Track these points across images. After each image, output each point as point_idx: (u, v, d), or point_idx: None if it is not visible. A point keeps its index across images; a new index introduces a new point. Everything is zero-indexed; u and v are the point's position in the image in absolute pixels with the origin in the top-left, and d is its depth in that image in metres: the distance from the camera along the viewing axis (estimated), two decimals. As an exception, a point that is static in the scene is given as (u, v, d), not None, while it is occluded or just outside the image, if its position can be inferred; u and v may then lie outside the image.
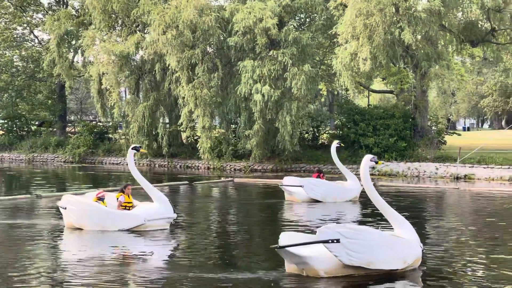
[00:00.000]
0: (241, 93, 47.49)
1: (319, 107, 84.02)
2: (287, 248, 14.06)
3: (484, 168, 43.44)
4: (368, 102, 64.45)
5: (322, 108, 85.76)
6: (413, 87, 49.99)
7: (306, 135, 54.93)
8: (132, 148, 21.77)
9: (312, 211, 27.09)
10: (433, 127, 53.47)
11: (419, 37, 45.41)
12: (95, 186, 35.89)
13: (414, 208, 28.19)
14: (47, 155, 64.00)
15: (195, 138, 54.70)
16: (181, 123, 51.70)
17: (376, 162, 15.95)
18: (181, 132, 56.38)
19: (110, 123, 64.12)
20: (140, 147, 22.20)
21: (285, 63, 47.03)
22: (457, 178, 42.95)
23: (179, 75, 50.34)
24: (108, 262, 16.25)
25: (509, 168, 42.82)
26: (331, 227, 14.18)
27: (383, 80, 58.78)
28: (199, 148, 51.02)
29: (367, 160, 15.75)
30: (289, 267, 14.56)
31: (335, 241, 13.74)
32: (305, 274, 14.21)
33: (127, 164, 55.29)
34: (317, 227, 20.54)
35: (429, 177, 44.15)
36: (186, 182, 38.97)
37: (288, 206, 28.63)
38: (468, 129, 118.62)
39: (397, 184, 39.20)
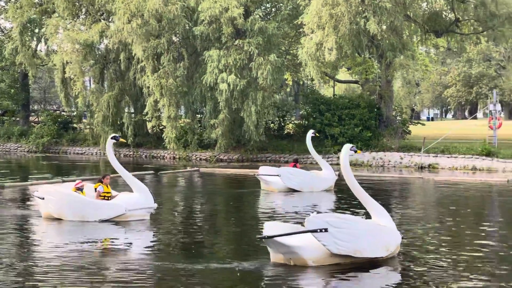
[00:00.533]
0: (206, 83, 47.34)
1: (285, 97, 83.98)
2: (275, 238, 14.07)
3: (448, 157, 43.85)
4: (334, 92, 64.66)
5: (288, 98, 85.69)
6: (378, 77, 50.22)
7: (271, 125, 54.96)
8: (111, 138, 21.55)
9: (289, 201, 27.11)
10: (398, 117, 53.83)
11: (384, 27, 45.58)
12: (59, 175, 35.53)
13: (379, 197, 28.28)
14: (10, 145, 63.29)
15: (161, 128, 54.48)
16: (147, 113, 51.44)
17: (355, 151, 16.04)
18: (147, 122, 56.13)
19: (75, 113, 63.62)
20: (120, 136, 21.93)
21: (251, 53, 46.95)
22: (421, 168, 43.32)
23: (144, 64, 50.02)
24: (88, 252, 16.10)
25: (472, 157, 43.25)
26: (319, 217, 14.25)
27: (348, 70, 58.99)
28: (164, 138, 50.79)
29: (346, 149, 15.87)
30: (275, 257, 14.53)
31: (323, 230, 13.84)
32: (293, 264, 14.23)
33: (104, 154, 55.21)
34: (299, 217, 20.67)
35: (394, 166, 44.48)
36: (152, 172, 38.80)
37: (265, 195, 28.64)
38: (432, 119, 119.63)
39: (362, 173, 39.38)
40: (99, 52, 56.20)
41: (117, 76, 54.99)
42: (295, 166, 30.99)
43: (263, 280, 13.53)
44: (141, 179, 35.34)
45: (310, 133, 31.81)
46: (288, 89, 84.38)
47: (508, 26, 50.56)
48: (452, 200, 27.23)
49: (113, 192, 21.34)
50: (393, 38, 45.62)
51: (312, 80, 54.15)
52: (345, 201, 26.19)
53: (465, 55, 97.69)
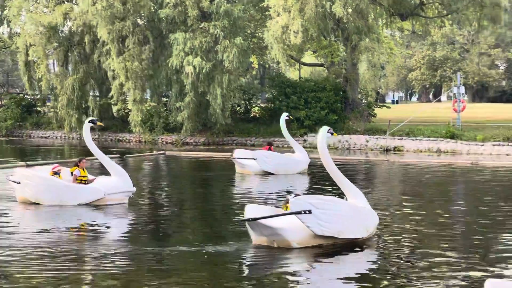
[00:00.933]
0: (172, 66, 47.14)
1: (250, 80, 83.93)
2: (260, 220, 14.09)
3: (413, 140, 44.19)
4: (300, 75, 64.69)
5: (254, 81, 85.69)
6: (343, 60, 50.32)
7: (238, 108, 54.90)
8: (88, 121, 21.12)
9: (264, 184, 27.15)
10: (364, 100, 54.08)
11: (350, 10, 45.70)
12: (23, 159, 35.16)
13: (313, 180, 28.51)
14: (-27, 129, 62.52)
15: (126, 111, 54.17)
16: (112, 96, 51.10)
17: (332, 134, 16.14)
18: (112, 105, 55.74)
19: (38, 96, 62.92)
20: (97, 120, 21.59)
21: (217, 36, 46.81)
22: (387, 150, 43.64)
23: (109, 47, 49.62)
24: (66, 237, 15.98)
25: (436, 140, 43.63)
26: (303, 198, 14.35)
27: (314, 53, 59.02)
28: (130, 121, 50.52)
29: (324, 131, 15.90)
30: (257, 240, 14.50)
31: (307, 212, 13.90)
32: (276, 246, 14.26)
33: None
34: (277, 199, 20.72)
35: (360, 149, 44.75)
36: (118, 155, 38.57)
37: (240, 178, 28.66)
38: (397, 102, 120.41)
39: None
40: (63, 35, 55.60)
41: (82, 59, 54.51)
42: (269, 149, 30.99)
43: (244, 263, 13.52)
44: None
45: (284, 116, 31.96)
46: (254, 72, 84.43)
47: (472, 10, 51.00)
48: (418, 182, 27.49)
49: (90, 176, 21.09)
50: (358, 21, 45.79)
51: (278, 63, 54.12)
52: (319, 183, 26.31)
53: (429, 38, 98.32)
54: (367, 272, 12.88)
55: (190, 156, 40.24)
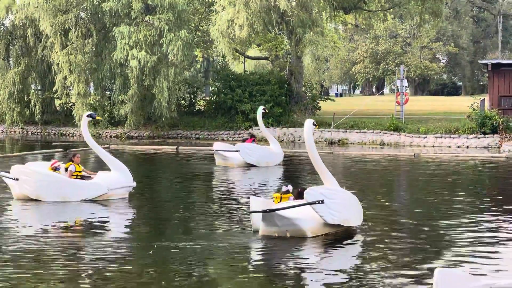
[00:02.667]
0: (116, 59, 46.77)
1: (195, 73, 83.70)
2: (278, 212, 14.47)
3: (357, 133, 44.66)
4: (244, 68, 64.70)
5: (198, 74, 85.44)
6: (288, 53, 50.57)
7: (182, 101, 54.72)
8: (87, 116, 20.65)
9: (246, 176, 27.69)
10: (308, 93, 54.39)
11: (294, 3, 45.91)
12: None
13: (291, 172, 28.74)
14: None
15: (70, 105, 53.58)
16: (56, 90, 50.53)
17: (315, 126, 16.68)
18: (55, 99, 55.08)
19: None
20: (96, 114, 21.20)
21: (162, 29, 46.58)
22: (331, 143, 44.02)
23: (52, 40, 49.02)
24: (71, 234, 15.88)
25: (380, 132, 44.18)
26: (315, 189, 14.86)
27: (258, 47, 59.15)
28: (74, 115, 50.01)
29: (309, 124, 16.45)
30: (267, 231, 14.81)
31: (320, 202, 14.43)
32: (289, 236, 14.63)
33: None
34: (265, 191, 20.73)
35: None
36: (61, 150, 38.13)
37: (221, 171, 28.96)
38: (341, 95, 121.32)
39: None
40: (4, 28, 54.73)
41: (24, 52, 53.77)
42: (253, 141, 31.41)
43: (256, 254, 13.94)
44: (50, 156, 34.85)
45: (261, 109, 32.42)
46: (198, 66, 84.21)
47: (414, 4, 51.76)
48: (362, 174, 27.81)
49: (85, 172, 20.65)
50: (302, 15, 46.01)
51: (224, 56, 54.08)
52: (296, 174, 27.47)
53: (372, 32, 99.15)
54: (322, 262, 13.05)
55: (135, 149, 40.01)
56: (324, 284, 11.53)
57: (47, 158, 34.23)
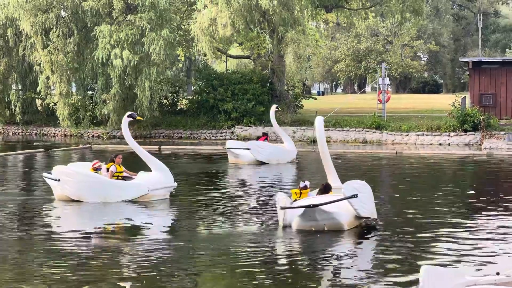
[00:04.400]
0: (98, 59, 46.59)
1: (177, 72, 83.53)
2: (321, 207, 14.96)
3: (340, 131, 44.76)
4: (226, 67, 64.65)
5: (180, 73, 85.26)
6: (270, 52, 50.58)
7: (165, 100, 54.61)
8: (127, 116, 20.47)
9: (257, 172, 28.35)
10: (290, 92, 54.42)
11: (275, 2, 45.90)
12: None
13: (275, 170, 28.77)
14: None
15: (50, 104, 53.32)
16: (40, 91, 50.34)
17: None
18: (37, 99, 54.85)
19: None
20: (137, 114, 20.95)
21: (143, 28, 46.45)
22: (314, 141, 43.94)
23: (33, 40, 48.80)
24: (114, 234, 16.00)
25: (362, 130, 44.33)
26: (350, 183, 15.48)
27: (240, 46, 59.12)
28: (58, 115, 49.83)
29: (321, 121, 17.73)
30: (304, 226, 15.28)
31: (354, 196, 15.07)
32: (326, 229, 15.19)
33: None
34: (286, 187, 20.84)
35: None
36: (42, 150, 37.95)
37: (235, 168, 29.63)
38: (323, 93, 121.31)
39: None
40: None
41: (4, 52, 53.41)
42: (266, 139, 32.00)
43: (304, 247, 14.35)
44: (32, 156, 34.72)
45: (273, 108, 33.10)
46: (180, 65, 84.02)
47: (395, 2, 51.95)
48: (345, 172, 27.86)
49: (127, 172, 20.55)
50: (284, 13, 46.04)
51: (205, 55, 54.02)
52: (308, 171, 28.13)
53: (353, 30, 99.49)
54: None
55: (118, 149, 39.86)
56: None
57: (28, 159, 34.12)
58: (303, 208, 14.97)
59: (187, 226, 16.64)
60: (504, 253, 13.38)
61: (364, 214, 15.58)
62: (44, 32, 48.66)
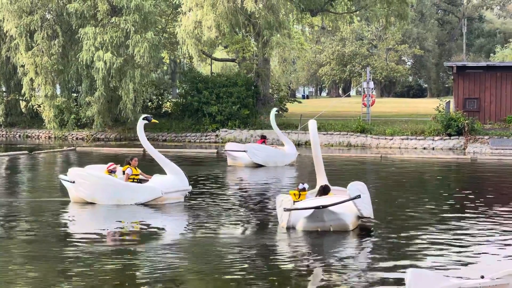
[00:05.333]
0: (83, 61, 46.44)
1: (161, 75, 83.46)
2: (329, 208, 15.21)
3: (324, 134, 44.75)
4: (211, 70, 64.64)
5: (164, 76, 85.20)
6: (255, 55, 50.59)
7: (149, 103, 54.51)
8: (142, 119, 20.35)
9: (256, 175, 28.71)
10: (275, 95, 54.46)
11: (261, 5, 45.92)
12: None
13: (261, 173, 28.76)
14: None
15: (34, 106, 53.13)
16: (24, 93, 50.15)
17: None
18: (20, 101, 54.63)
19: None
20: (152, 117, 20.71)
21: (128, 30, 46.33)
22: (299, 145, 44.02)
23: (17, 42, 48.61)
24: (127, 236, 15.97)
25: (347, 134, 44.40)
26: (354, 185, 15.79)
27: (225, 49, 59.13)
28: (44, 117, 49.67)
29: (314, 123, 18.29)
30: (310, 226, 15.54)
31: (358, 197, 15.37)
32: (332, 230, 15.49)
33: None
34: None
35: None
36: (26, 152, 37.78)
37: (232, 170, 30.20)
38: (307, 97, 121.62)
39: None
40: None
41: (-13, 54, 53.17)
42: (263, 142, 32.46)
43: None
44: (15, 158, 34.54)
45: (274, 111, 33.53)
46: (165, 68, 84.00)
47: (380, 6, 52.09)
48: (329, 175, 27.85)
49: (143, 175, 20.47)
50: (269, 17, 46.05)
51: (191, 58, 53.97)
52: (305, 173, 28.20)
53: (339, 34, 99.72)
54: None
55: (102, 151, 39.74)
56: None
57: (12, 160, 33.94)
58: (311, 210, 15.20)
59: (194, 229, 16.72)
60: (488, 256, 13.43)
61: (367, 215, 15.92)
62: (28, 34, 48.48)
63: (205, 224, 16.98)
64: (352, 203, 15.43)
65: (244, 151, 30.87)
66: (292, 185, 23.35)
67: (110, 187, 19.49)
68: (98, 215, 18.82)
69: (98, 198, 19.45)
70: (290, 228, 15.76)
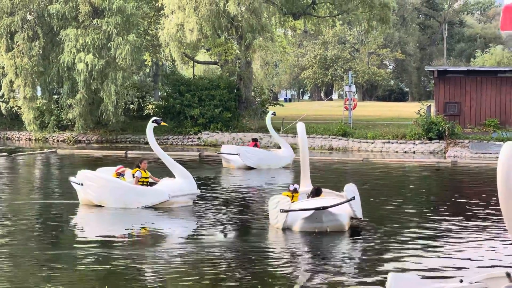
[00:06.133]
0: (64, 63, 46.25)
1: (144, 77, 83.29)
2: (329, 209, 15.56)
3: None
4: (193, 73, 64.57)
5: (147, 79, 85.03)
6: (237, 58, 50.61)
7: (131, 105, 54.35)
8: (152, 121, 20.23)
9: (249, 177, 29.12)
10: (257, 98, 54.50)
11: (243, 8, 45.95)
12: None
13: (242, 175, 28.78)
14: None
15: (13, 108, 52.86)
16: (3, 94, 49.83)
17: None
18: (0, 103, 54.31)
19: None
20: (161, 119, 20.60)
21: (110, 33, 46.19)
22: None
23: (-3, 43, 48.39)
24: (132, 240, 15.94)
25: (329, 137, 44.49)
26: (349, 187, 16.59)
27: (207, 51, 59.11)
28: (24, 119, 49.39)
29: (303, 126, 19.34)
30: (307, 227, 15.90)
31: (352, 198, 15.96)
32: (328, 231, 15.86)
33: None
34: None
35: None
36: (6, 154, 37.54)
37: (226, 173, 30.51)
38: (290, 100, 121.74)
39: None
40: None
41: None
42: (255, 145, 33.00)
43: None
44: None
45: (270, 114, 33.94)
46: (147, 70, 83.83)
47: (362, 10, 52.24)
48: (312, 178, 27.89)
49: (153, 178, 20.31)
50: (252, 20, 46.09)
51: (174, 61, 53.91)
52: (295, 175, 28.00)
53: (321, 37, 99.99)
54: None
55: (83, 154, 39.57)
56: None
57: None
58: (311, 211, 15.55)
59: (200, 231, 16.80)
60: (468, 260, 13.50)
61: (359, 216, 16.33)
62: (9, 35, 48.21)
63: (205, 227, 17.20)
64: (348, 204, 15.88)
65: (237, 154, 31.38)
66: (283, 187, 23.45)
67: (116, 189, 19.35)
68: (102, 218, 18.82)
69: (105, 201, 19.37)
70: (285, 229, 16.06)
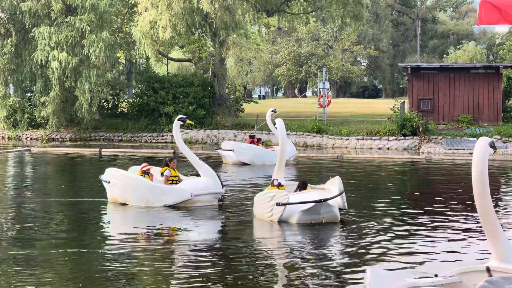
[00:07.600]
0: (37, 60, 45.97)
1: (117, 75, 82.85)
2: (329, 201, 16.35)
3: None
4: (167, 70, 64.37)
5: (120, 76, 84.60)
6: (211, 55, 50.55)
7: (105, 103, 54.14)
8: (178, 119, 19.93)
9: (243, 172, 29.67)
10: (231, 95, 54.47)
11: (217, 5, 45.89)
12: None
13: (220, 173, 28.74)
14: None
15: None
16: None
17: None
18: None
19: None
20: (187, 118, 20.27)
21: (83, 30, 45.98)
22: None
23: (-31, 40, 47.99)
24: (153, 239, 15.81)
25: (303, 134, 44.61)
26: (339, 179, 17.59)
27: (181, 49, 58.95)
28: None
29: (282, 122, 19.72)
30: (305, 219, 16.43)
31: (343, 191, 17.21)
32: (324, 222, 16.50)
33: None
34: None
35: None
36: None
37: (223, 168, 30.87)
38: (264, 97, 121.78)
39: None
40: None
41: None
42: (252, 142, 33.35)
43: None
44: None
45: (270, 111, 33.50)
46: (121, 68, 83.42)
47: (336, 7, 52.41)
48: (288, 175, 27.98)
49: (181, 176, 20.04)
50: (226, 17, 46.08)
51: (148, 58, 53.76)
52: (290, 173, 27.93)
53: (295, 34, 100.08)
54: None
55: (58, 152, 39.34)
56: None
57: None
58: (310, 203, 16.18)
59: (204, 231, 16.74)
60: (443, 254, 13.61)
61: (346, 207, 17.49)
62: (-20, 33, 47.90)
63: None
64: (340, 196, 16.95)
65: (231, 150, 32.29)
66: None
67: (139, 188, 19.19)
68: (125, 216, 18.78)
69: (128, 199, 19.29)
70: (281, 222, 16.54)
